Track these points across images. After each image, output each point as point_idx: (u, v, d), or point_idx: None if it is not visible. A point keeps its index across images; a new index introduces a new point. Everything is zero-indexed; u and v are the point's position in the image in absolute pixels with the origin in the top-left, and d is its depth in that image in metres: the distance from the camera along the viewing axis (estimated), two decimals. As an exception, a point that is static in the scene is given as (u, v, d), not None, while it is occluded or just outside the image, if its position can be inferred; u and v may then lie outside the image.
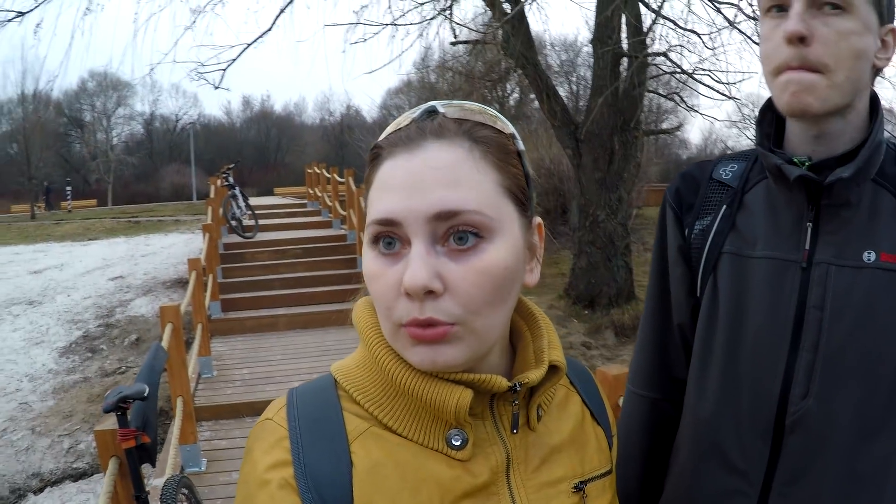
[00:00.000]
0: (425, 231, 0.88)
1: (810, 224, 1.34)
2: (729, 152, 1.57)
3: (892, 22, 1.33)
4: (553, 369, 1.01)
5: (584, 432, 1.11)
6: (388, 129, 0.97)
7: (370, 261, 0.93)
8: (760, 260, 1.38)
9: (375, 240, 0.92)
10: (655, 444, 1.59)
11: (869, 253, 1.30)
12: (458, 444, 0.95)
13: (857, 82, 1.29)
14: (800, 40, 1.24)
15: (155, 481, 5.33)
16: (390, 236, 0.90)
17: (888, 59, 1.35)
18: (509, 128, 0.99)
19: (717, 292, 1.43)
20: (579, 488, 1.04)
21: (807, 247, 1.34)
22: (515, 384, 0.96)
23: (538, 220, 1.03)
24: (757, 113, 1.47)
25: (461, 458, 0.95)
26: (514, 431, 1.00)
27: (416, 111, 0.96)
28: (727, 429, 1.40)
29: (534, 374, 0.97)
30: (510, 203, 0.94)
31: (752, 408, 1.37)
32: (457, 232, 0.88)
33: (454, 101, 0.97)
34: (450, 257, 0.89)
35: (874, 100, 1.36)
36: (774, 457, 1.34)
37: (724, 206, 1.45)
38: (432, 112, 0.95)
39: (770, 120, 1.44)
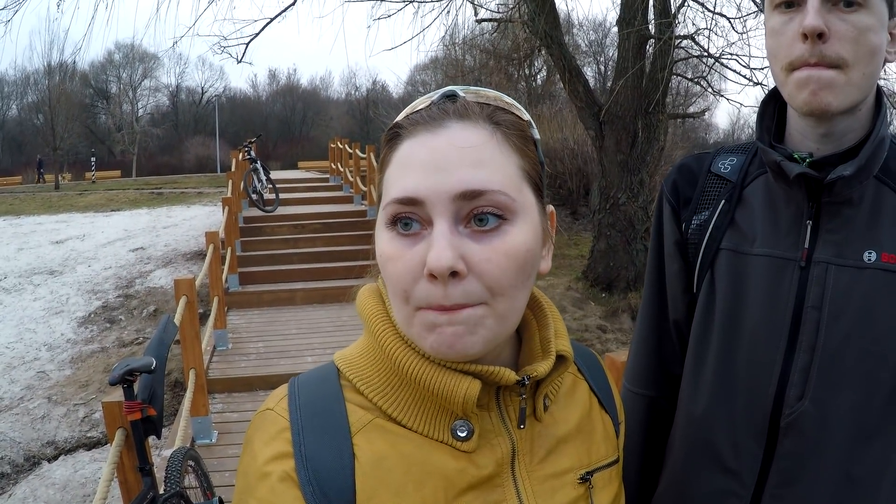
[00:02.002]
0: (449, 210, 0.86)
1: (810, 222, 1.32)
2: (728, 144, 1.53)
3: None
4: (560, 359, 1.00)
5: (591, 421, 1.10)
6: (405, 112, 0.97)
7: (386, 242, 0.91)
8: (759, 257, 1.35)
9: (393, 221, 0.90)
10: (653, 441, 1.57)
11: (870, 253, 1.27)
12: (463, 435, 0.94)
13: (872, 78, 1.27)
14: (818, 36, 1.21)
15: (165, 452, 5.37)
16: (410, 217, 0.88)
17: None
18: (526, 115, 0.98)
19: (714, 289, 1.41)
20: (585, 479, 1.03)
21: (806, 245, 1.31)
22: (523, 378, 0.95)
23: (551, 207, 1.02)
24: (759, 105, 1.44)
25: (466, 450, 0.94)
26: (522, 427, 0.99)
27: (435, 94, 0.96)
28: (720, 428, 1.38)
29: (542, 367, 0.96)
30: (529, 187, 0.94)
31: (746, 408, 1.34)
32: (480, 213, 0.87)
33: (472, 87, 0.97)
34: (473, 238, 0.87)
35: (878, 93, 1.33)
36: (768, 458, 1.32)
37: (723, 201, 1.43)
38: (451, 96, 0.94)
39: (772, 113, 1.41)
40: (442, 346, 0.87)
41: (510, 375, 0.93)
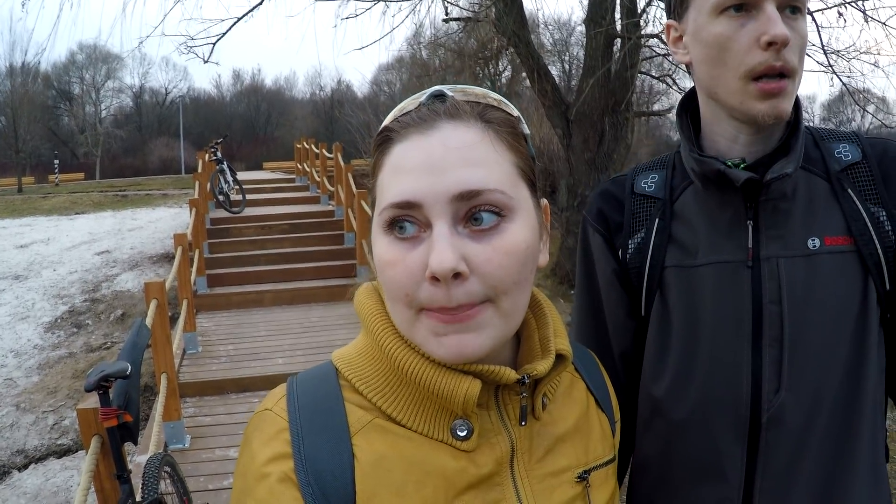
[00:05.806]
0: (447, 212, 0.86)
1: (751, 222, 1.34)
2: (640, 163, 1.55)
3: None
4: (559, 358, 1.00)
5: (588, 420, 1.11)
6: (393, 114, 0.96)
7: (384, 247, 0.90)
8: (706, 267, 1.36)
9: (390, 225, 0.90)
10: None
11: (813, 240, 1.31)
12: (463, 434, 0.94)
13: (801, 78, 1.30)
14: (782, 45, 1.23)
15: (139, 458, 5.32)
16: (408, 219, 0.88)
17: None
18: (515, 111, 0.98)
19: (667, 308, 1.41)
20: (583, 478, 1.04)
21: (750, 245, 1.33)
22: (523, 376, 0.95)
23: (545, 201, 1.02)
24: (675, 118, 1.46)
25: (466, 449, 0.94)
26: (523, 424, 0.99)
27: (422, 95, 0.96)
28: (700, 437, 1.38)
29: (541, 366, 0.97)
30: (524, 183, 0.94)
31: (721, 412, 1.35)
32: (478, 212, 0.87)
33: (458, 86, 0.96)
34: (472, 238, 0.87)
35: None
36: (752, 456, 1.33)
37: (657, 220, 1.43)
38: (440, 95, 0.94)
39: (688, 123, 1.42)
40: (450, 352, 0.88)
41: (511, 374, 0.93)
